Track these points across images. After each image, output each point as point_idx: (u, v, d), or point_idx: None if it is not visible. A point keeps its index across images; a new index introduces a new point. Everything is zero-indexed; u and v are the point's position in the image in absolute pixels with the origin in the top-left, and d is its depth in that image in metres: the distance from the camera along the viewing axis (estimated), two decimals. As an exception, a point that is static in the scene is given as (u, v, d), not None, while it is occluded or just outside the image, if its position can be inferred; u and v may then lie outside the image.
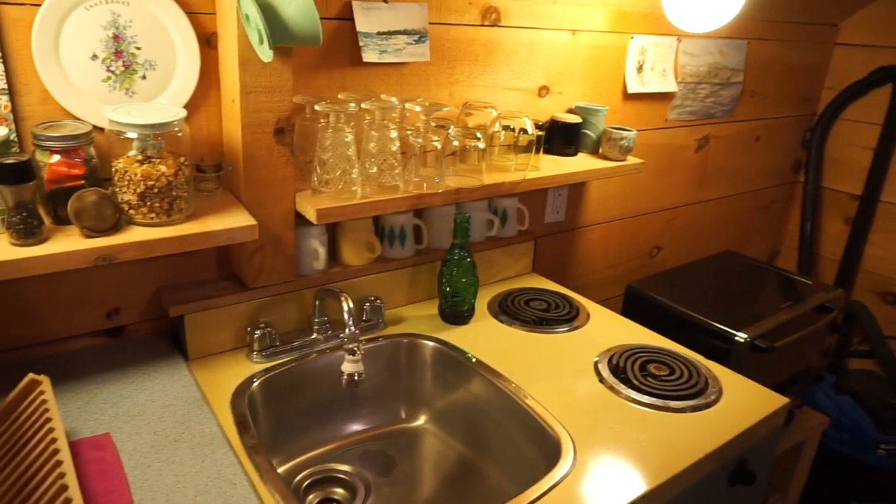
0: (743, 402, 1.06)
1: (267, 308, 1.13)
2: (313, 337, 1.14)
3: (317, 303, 1.13)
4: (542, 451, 0.97)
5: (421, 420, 1.21)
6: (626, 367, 1.12)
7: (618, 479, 0.87)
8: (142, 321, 1.11)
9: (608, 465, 0.89)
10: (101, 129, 0.93)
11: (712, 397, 1.06)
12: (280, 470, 1.06)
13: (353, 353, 0.95)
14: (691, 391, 1.06)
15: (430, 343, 1.20)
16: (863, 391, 1.96)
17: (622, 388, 1.07)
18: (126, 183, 0.90)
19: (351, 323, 0.96)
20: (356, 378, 0.96)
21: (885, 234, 2.20)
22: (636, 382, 1.08)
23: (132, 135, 0.90)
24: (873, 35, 2.14)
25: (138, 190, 0.90)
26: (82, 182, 0.89)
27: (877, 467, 1.88)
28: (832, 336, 1.71)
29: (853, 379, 2.02)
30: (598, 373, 1.11)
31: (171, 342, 1.10)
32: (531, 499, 0.82)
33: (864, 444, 1.88)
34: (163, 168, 0.91)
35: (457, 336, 1.21)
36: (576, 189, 1.65)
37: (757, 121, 2.09)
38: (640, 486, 0.86)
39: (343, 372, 0.96)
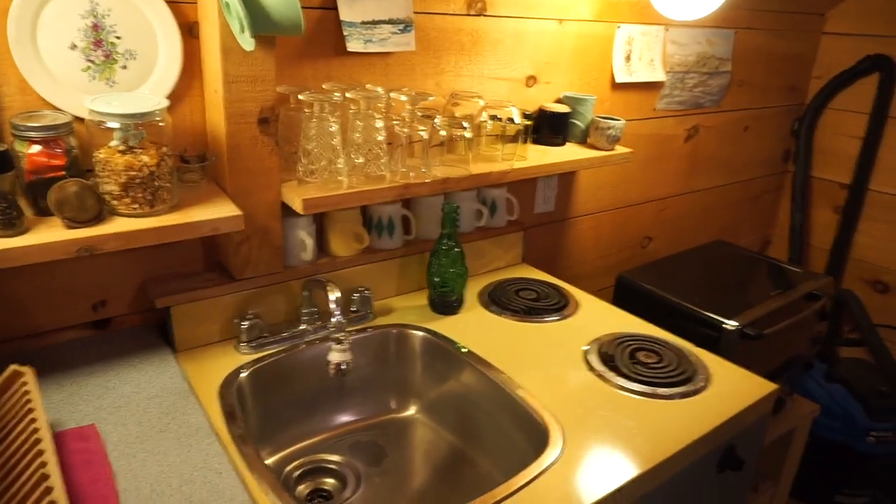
0: (731, 388, 1.06)
1: (255, 299, 1.13)
2: (301, 328, 1.13)
3: (305, 293, 1.13)
4: (532, 440, 0.97)
5: (411, 410, 1.21)
6: (615, 356, 1.12)
7: (606, 466, 0.87)
8: (128, 313, 1.10)
9: (597, 452, 0.89)
10: (81, 120, 0.92)
11: (701, 384, 1.06)
12: (269, 461, 1.05)
13: (339, 342, 0.94)
14: (680, 378, 1.06)
15: (420, 333, 1.19)
16: (853, 379, 1.97)
17: (611, 375, 1.07)
18: (108, 173, 0.89)
19: (337, 312, 0.95)
20: (343, 368, 0.96)
21: (874, 222, 2.21)
22: (625, 370, 1.08)
23: (113, 125, 0.89)
24: (860, 24, 2.14)
25: (120, 180, 0.89)
26: (63, 173, 0.89)
27: (867, 454, 1.89)
28: (821, 324, 1.71)
29: (843, 367, 2.03)
30: (588, 361, 1.11)
31: (159, 334, 1.09)
32: (520, 485, 0.82)
33: (855, 431, 1.89)
34: (145, 158, 0.90)
35: (446, 326, 1.21)
36: (565, 179, 1.64)
37: (746, 110, 2.09)
38: (629, 472, 0.86)
39: (330, 361, 0.96)
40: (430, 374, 1.19)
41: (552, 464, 0.86)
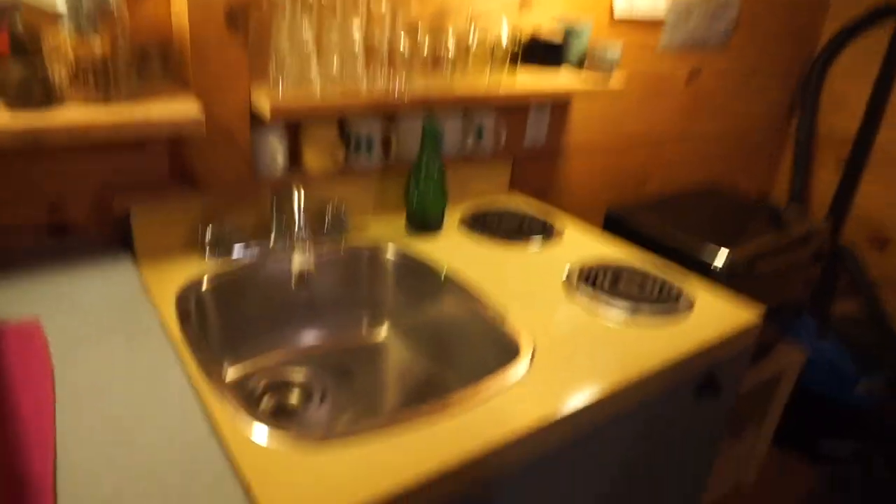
0: (715, 312, 1.02)
1: (222, 209, 1.08)
2: (270, 240, 1.08)
3: (274, 205, 1.07)
4: (505, 361, 0.93)
5: (382, 331, 1.17)
6: (596, 280, 1.07)
7: (576, 385, 0.83)
8: (88, 221, 1.05)
9: (568, 372, 0.85)
10: (31, 5, 0.86)
11: (683, 308, 1.01)
12: (230, 374, 1.02)
13: (302, 248, 0.90)
14: (661, 302, 1.02)
15: (395, 253, 1.15)
16: (845, 332, 1.94)
17: (592, 299, 1.02)
18: (57, 59, 0.83)
19: (301, 217, 0.90)
20: (305, 276, 0.91)
21: (877, 177, 2.15)
22: (606, 295, 1.03)
23: (64, 9, 0.83)
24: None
25: (69, 67, 0.83)
26: (8, 57, 0.83)
27: (855, 406, 1.87)
28: (815, 268, 1.66)
29: (836, 321, 2.00)
30: (569, 284, 1.07)
31: (120, 244, 1.05)
32: (483, 398, 0.78)
33: (844, 383, 1.87)
34: (96, 44, 0.84)
35: (424, 247, 1.16)
36: (558, 112, 1.58)
37: (752, 55, 2.01)
38: (599, 393, 0.82)
39: (292, 269, 0.91)
40: (404, 294, 1.15)
41: (519, 380, 0.82)
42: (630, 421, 0.91)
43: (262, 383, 1.01)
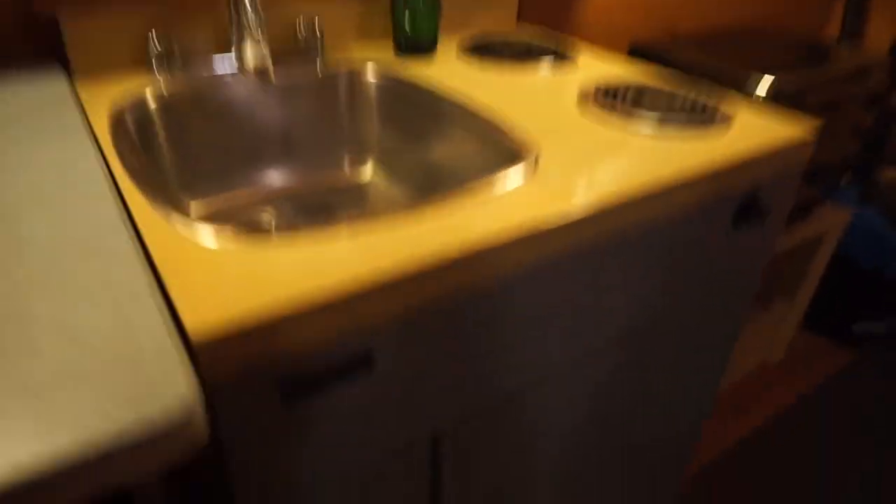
0: (758, 127, 0.85)
1: (173, 18, 0.91)
2: (231, 57, 0.92)
3: (233, 14, 0.90)
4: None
5: (368, 167, 1.02)
6: (617, 95, 0.90)
7: (588, 191, 0.68)
8: (11, 30, 0.89)
9: (580, 179, 0.70)
10: None
11: (720, 121, 0.84)
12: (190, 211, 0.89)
13: (255, 39, 0.73)
14: (693, 116, 0.85)
15: (380, 75, 0.98)
16: (892, 201, 1.76)
17: (611, 113, 0.86)
18: None
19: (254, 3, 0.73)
20: (264, 72, 0.76)
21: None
22: (628, 109, 0.87)
23: None
24: None
25: None
26: None
27: (896, 279, 1.72)
28: (869, 114, 1.45)
29: (882, 189, 1.81)
30: (585, 101, 0.90)
31: (54, 59, 0.89)
32: (477, 201, 0.64)
33: (887, 254, 1.70)
34: None
35: (415, 71, 0.99)
36: (575, -67, 1.35)
37: None
38: (613, 200, 0.67)
39: (246, 64, 0.75)
40: (391, 123, 0.99)
41: (520, 185, 0.68)
42: (658, 242, 0.76)
43: (227, 225, 0.88)
